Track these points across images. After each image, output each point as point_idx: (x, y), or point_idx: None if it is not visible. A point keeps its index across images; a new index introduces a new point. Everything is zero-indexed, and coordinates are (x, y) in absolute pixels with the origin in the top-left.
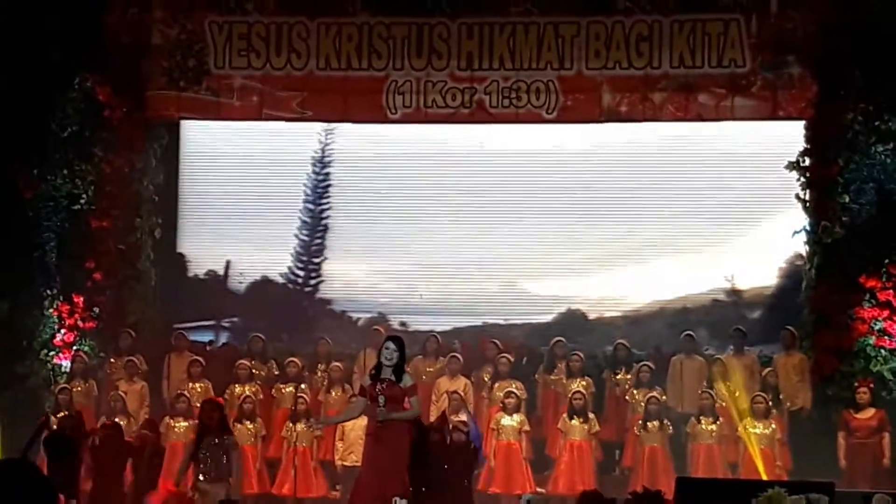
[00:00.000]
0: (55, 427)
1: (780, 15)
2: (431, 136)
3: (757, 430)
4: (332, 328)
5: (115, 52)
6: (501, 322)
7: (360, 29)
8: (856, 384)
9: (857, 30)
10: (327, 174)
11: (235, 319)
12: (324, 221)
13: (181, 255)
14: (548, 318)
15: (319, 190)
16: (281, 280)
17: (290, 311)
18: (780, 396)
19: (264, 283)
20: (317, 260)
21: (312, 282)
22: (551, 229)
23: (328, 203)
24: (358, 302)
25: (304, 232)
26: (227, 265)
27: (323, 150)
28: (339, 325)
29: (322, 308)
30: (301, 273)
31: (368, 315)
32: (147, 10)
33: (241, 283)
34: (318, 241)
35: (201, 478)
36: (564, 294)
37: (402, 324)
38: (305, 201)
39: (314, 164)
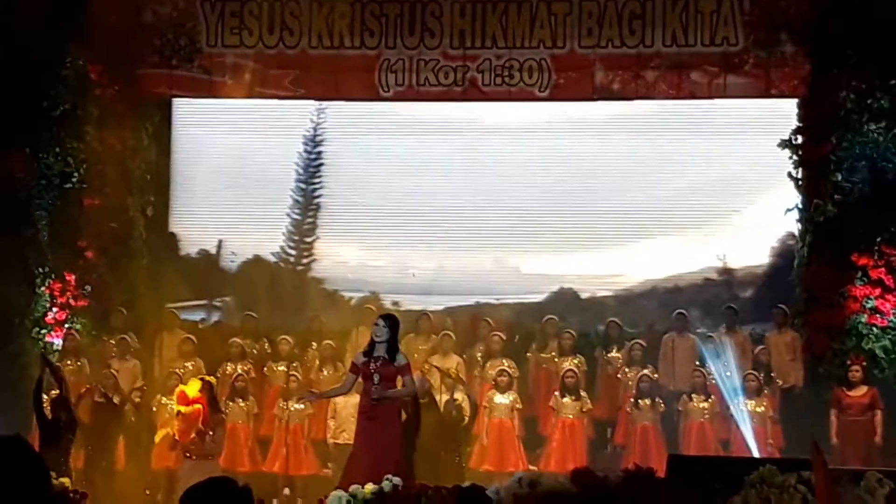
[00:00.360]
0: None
1: None
2: (423, 115)
3: (749, 408)
4: (325, 307)
5: (107, 30)
6: (493, 301)
7: (352, 7)
8: (848, 362)
9: (849, 8)
10: (319, 153)
11: (227, 299)
12: (316, 200)
13: (173, 235)
14: (540, 297)
15: (311, 169)
16: (273, 259)
17: (282, 290)
18: (773, 374)
19: (256, 262)
20: (309, 239)
21: (304, 261)
22: (544, 208)
23: (320, 182)
24: (350, 281)
25: (296, 211)
26: (220, 244)
27: (315, 129)
28: (332, 304)
29: (314, 287)
30: (293, 252)
31: (361, 294)
32: None
33: (232, 262)
34: (310, 220)
35: (187, 455)
36: (556, 273)
37: (395, 303)
38: (297, 180)
39: (306, 143)
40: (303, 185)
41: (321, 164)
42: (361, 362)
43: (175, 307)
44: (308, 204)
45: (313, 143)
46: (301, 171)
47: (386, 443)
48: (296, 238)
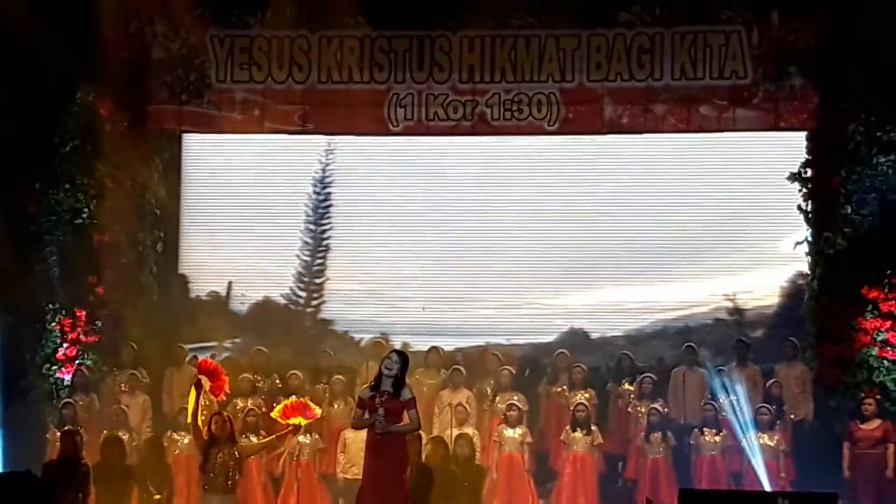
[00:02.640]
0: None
1: (781, 26)
2: (431, 155)
3: (761, 442)
4: (335, 349)
5: (117, 67)
6: (504, 342)
7: (361, 42)
8: (861, 395)
9: (858, 41)
10: (328, 194)
11: (238, 340)
12: (325, 241)
13: (183, 276)
14: (550, 337)
15: (321, 210)
16: (283, 301)
17: (292, 331)
18: (784, 408)
19: (266, 304)
20: (318, 280)
21: (314, 302)
22: (553, 249)
23: (329, 223)
24: (360, 322)
25: (306, 252)
26: (229, 286)
27: (324, 170)
28: (342, 345)
29: (324, 328)
30: (303, 294)
31: (370, 336)
32: (148, 24)
33: (242, 303)
34: (320, 261)
35: (206, 487)
36: (567, 313)
37: (404, 344)
38: (307, 221)
39: (315, 185)
40: (312, 227)
41: (330, 206)
42: (368, 396)
43: (185, 348)
44: (317, 245)
45: (322, 184)
46: (310, 212)
47: (392, 477)
48: (305, 279)
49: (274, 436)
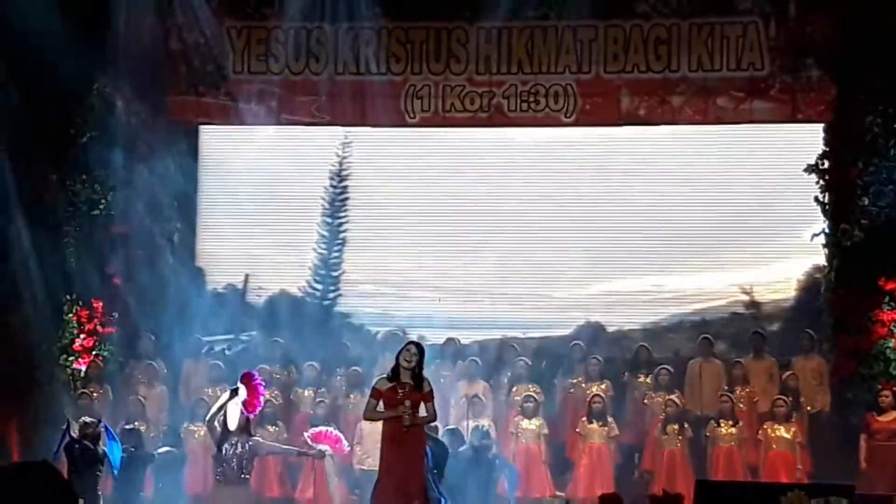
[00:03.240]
0: (76, 433)
1: (798, 18)
2: (448, 147)
3: (778, 433)
4: (352, 342)
5: (134, 58)
6: (520, 335)
7: (378, 33)
8: (878, 387)
9: (875, 32)
10: (345, 187)
11: (254, 333)
12: (342, 235)
13: (200, 269)
14: (566, 331)
15: (337, 203)
16: (299, 294)
17: (309, 324)
18: (801, 399)
19: (282, 297)
20: (335, 273)
21: (331, 295)
22: (569, 241)
23: (346, 216)
24: (377, 315)
25: (322, 245)
26: (246, 279)
27: (340, 164)
28: (359, 338)
29: (341, 321)
30: (319, 287)
31: (387, 328)
32: (166, 15)
33: (259, 296)
34: (336, 254)
35: (219, 479)
36: (583, 306)
37: (421, 337)
38: (323, 215)
39: (332, 178)
40: (328, 220)
41: (347, 199)
42: (386, 388)
43: (202, 339)
44: (334, 238)
45: (339, 177)
46: (327, 205)
47: (411, 469)
48: (322, 272)
49: (296, 448)
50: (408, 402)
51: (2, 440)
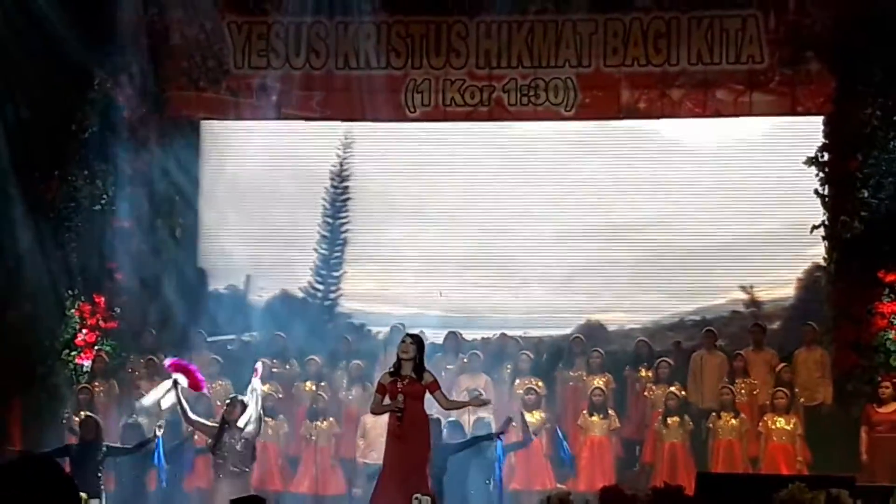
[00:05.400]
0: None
1: (797, 10)
2: (450, 145)
3: (778, 425)
4: (353, 342)
5: (135, 53)
6: (521, 335)
7: (378, 28)
8: (879, 379)
9: (875, 25)
10: (346, 188)
11: (255, 334)
12: (343, 235)
13: (202, 270)
14: (567, 330)
15: (338, 203)
16: (301, 294)
17: (310, 323)
18: (795, 391)
19: (284, 298)
20: (336, 273)
21: (332, 295)
22: (568, 242)
23: (347, 217)
24: (377, 315)
25: (324, 246)
26: (248, 280)
27: (341, 164)
28: (360, 338)
29: (342, 321)
30: (321, 287)
31: (388, 328)
32: (166, 10)
33: (260, 296)
34: (338, 254)
35: (220, 475)
36: (583, 306)
37: (422, 333)
38: (325, 215)
39: (332, 178)
40: (329, 220)
41: (348, 199)
42: (388, 382)
43: (203, 333)
44: (335, 239)
45: (340, 178)
46: (328, 206)
47: (415, 462)
48: (323, 273)
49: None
50: (400, 396)
51: (4, 436)
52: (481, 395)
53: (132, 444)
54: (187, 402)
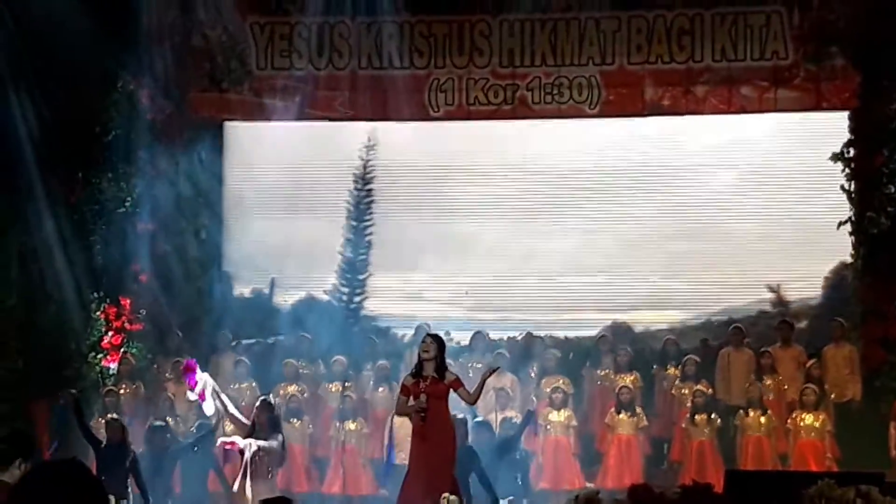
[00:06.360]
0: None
1: (822, 6)
2: (475, 147)
3: (807, 422)
4: (379, 344)
5: (158, 55)
6: (547, 334)
7: (401, 27)
8: None
9: None
10: (370, 190)
11: (281, 337)
12: (367, 238)
13: (227, 273)
14: (593, 331)
15: (362, 206)
16: (326, 297)
17: (336, 327)
18: (826, 388)
19: (309, 301)
20: (361, 276)
21: (357, 298)
22: (595, 241)
23: (371, 219)
24: (403, 318)
25: (348, 249)
26: (272, 283)
27: (365, 167)
28: (386, 340)
29: (367, 324)
30: (346, 290)
31: (413, 329)
32: (189, 12)
33: (286, 300)
34: (363, 257)
35: (248, 476)
36: (610, 307)
37: (447, 334)
38: (348, 217)
39: (356, 181)
40: (354, 223)
41: (372, 202)
42: (411, 383)
43: (228, 334)
44: (360, 241)
45: (363, 180)
46: (352, 208)
47: (440, 462)
48: (348, 276)
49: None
50: (423, 396)
51: (32, 439)
52: (508, 394)
53: (161, 446)
54: (222, 397)
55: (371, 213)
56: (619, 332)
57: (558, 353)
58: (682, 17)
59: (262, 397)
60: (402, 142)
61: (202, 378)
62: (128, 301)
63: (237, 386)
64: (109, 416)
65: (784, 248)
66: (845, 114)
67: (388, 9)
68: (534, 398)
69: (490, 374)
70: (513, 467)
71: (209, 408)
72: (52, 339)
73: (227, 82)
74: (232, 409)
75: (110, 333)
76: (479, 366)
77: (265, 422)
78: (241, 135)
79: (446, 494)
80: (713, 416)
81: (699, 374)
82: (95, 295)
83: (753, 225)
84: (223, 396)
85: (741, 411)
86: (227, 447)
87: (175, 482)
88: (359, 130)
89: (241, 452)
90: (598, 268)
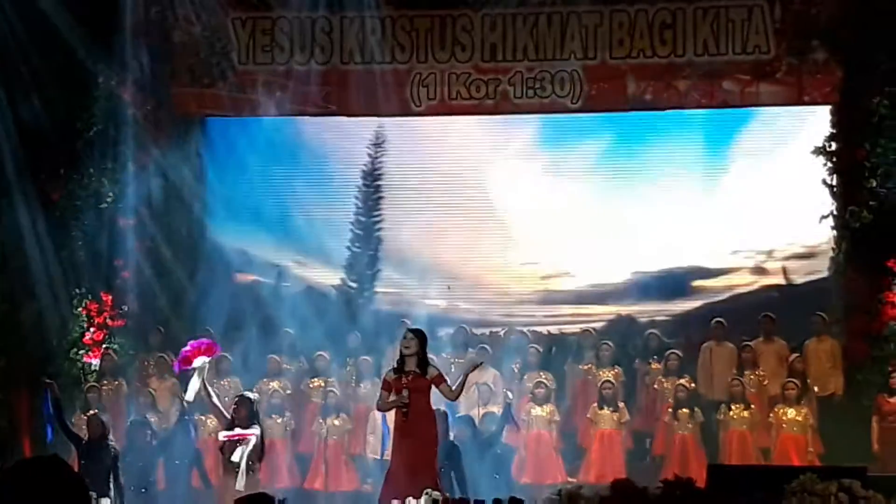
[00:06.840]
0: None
1: (803, 0)
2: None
3: (789, 416)
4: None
5: (140, 51)
6: (542, 331)
7: (382, 22)
8: (889, 369)
9: (881, 13)
10: (378, 186)
11: (290, 330)
12: (377, 234)
13: (211, 262)
14: (598, 324)
15: (370, 203)
16: (334, 292)
17: (342, 322)
18: (808, 382)
19: (314, 294)
20: (370, 272)
21: (366, 293)
22: (594, 234)
23: (380, 215)
24: (409, 315)
25: (357, 245)
26: (279, 274)
27: (373, 163)
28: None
29: (375, 319)
30: (354, 285)
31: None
32: (170, 7)
33: (275, 294)
34: (371, 252)
35: (235, 471)
36: (610, 299)
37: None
38: (357, 214)
39: (364, 178)
40: (362, 219)
41: (380, 199)
42: (393, 378)
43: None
44: (368, 238)
45: (371, 177)
46: (360, 205)
47: (422, 457)
48: (357, 271)
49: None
50: (405, 391)
51: (13, 435)
52: (490, 389)
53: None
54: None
55: (380, 209)
56: (602, 326)
57: (540, 348)
58: (664, 12)
59: (241, 393)
60: (409, 142)
61: (198, 362)
62: (110, 297)
63: (220, 382)
64: (90, 412)
65: (766, 241)
66: (827, 108)
67: (370, 3)
68: (509, 392)
69: (473, 369)
70: (494, 464)
71: (191, 392)
72: (34, 334)
73: (209, 78)
74: (216, 400)
75: (92, 329)
76: (460, 361)
77: (244, 417)
78: (224, 130)
79: (428, 490)
80: (695, 410)
81: (682, 369)
82: (77, 291)
83: (734, 214)
84: (210, 389)
85: (723, 406)
86: (234, 438)
87: (159, 479)
88: (341, 124)
89: (236, 444)
90: (602, 263)
